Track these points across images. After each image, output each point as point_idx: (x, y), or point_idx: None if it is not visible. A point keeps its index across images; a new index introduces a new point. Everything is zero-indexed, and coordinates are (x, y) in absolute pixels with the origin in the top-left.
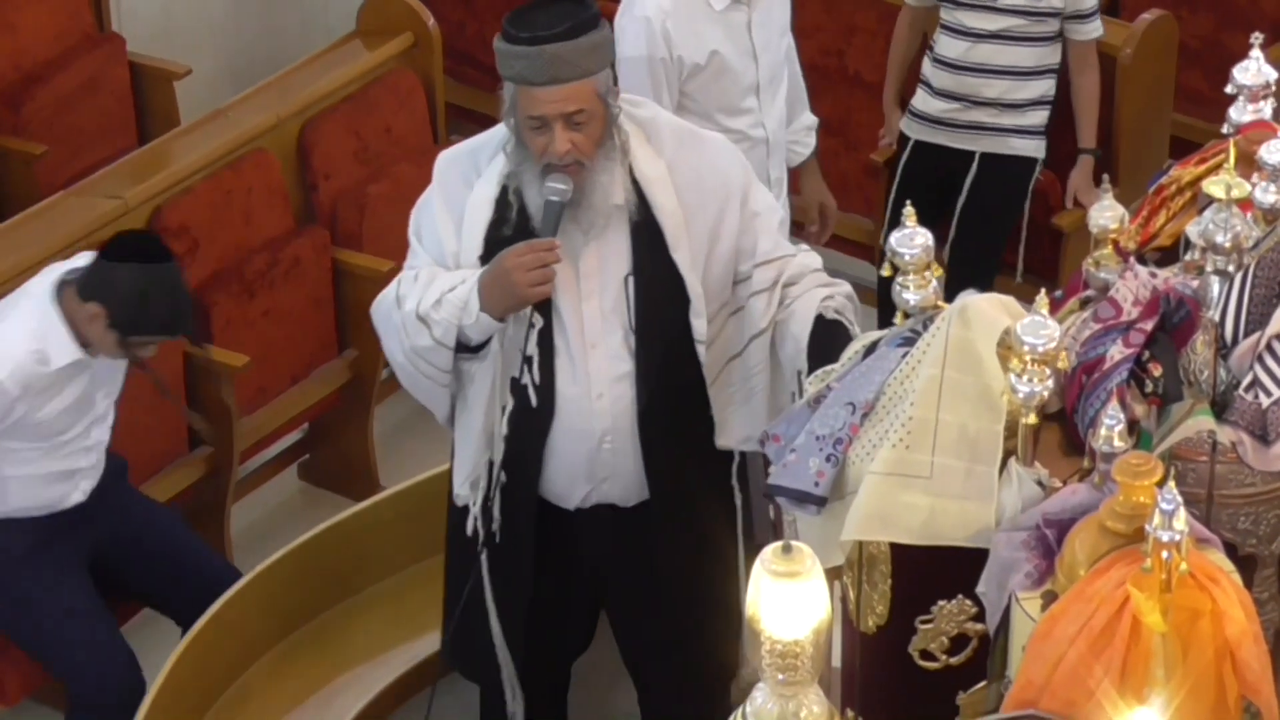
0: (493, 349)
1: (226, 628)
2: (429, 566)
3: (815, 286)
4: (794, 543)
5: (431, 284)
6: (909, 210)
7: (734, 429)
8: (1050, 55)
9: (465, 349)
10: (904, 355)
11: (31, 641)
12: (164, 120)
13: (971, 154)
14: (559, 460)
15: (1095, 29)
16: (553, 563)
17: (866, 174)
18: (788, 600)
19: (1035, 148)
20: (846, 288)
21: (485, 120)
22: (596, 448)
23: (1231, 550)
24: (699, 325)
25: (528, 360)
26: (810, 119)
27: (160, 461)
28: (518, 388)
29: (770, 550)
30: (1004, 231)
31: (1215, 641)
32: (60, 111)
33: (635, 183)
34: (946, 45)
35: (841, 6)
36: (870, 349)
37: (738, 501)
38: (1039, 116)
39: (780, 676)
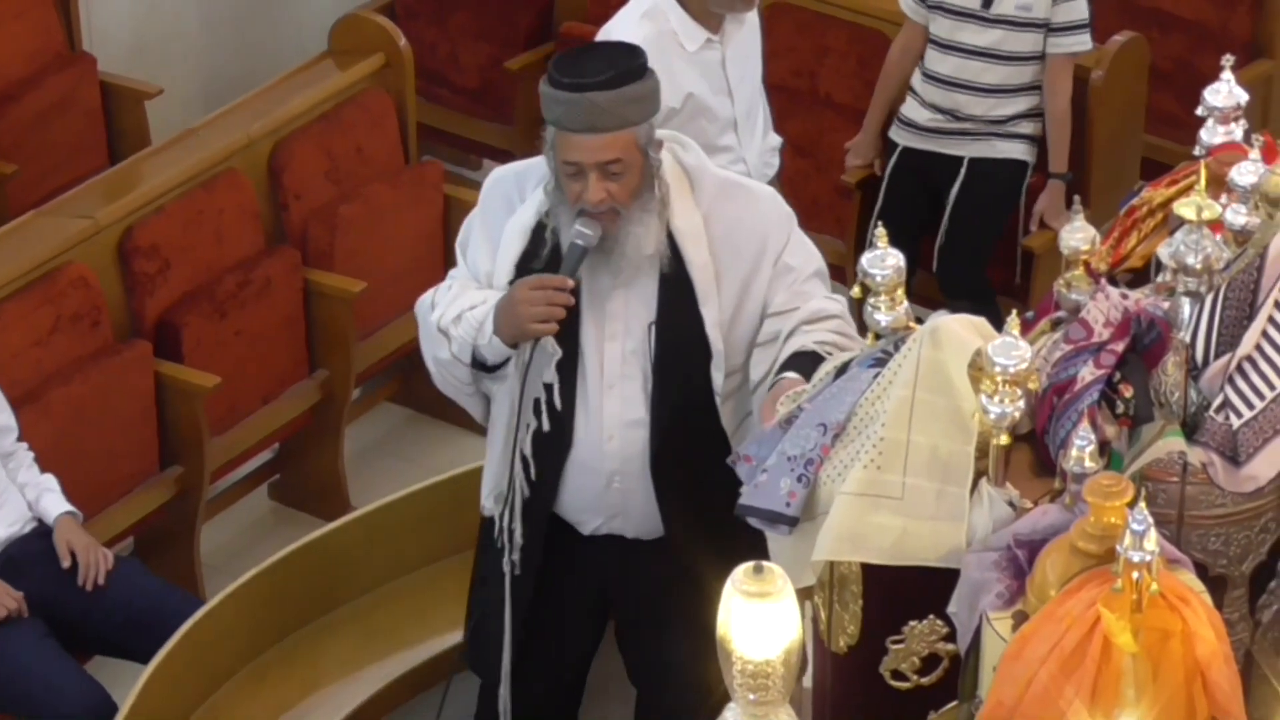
0: (509, 371)
1: (197, 648)
2: (400, 586)
3: (823, 331)
4: (765, 563)
5: (458, 299)
6: (880, 232)
7: None
8: (1039, 72)
9: (483, 367)
10: (875, 376)
11: None
12: (135, 140)
13: (960, 159)
14: (572, 490)
15: (1079, 43)
16: (562, 579)
17: (838, 195)
18: (759, 620)
19: (1024, 151)
20: (857, 347)
21: (457, 140)
22: (605, 487)
23: (1202, 571)
24: (718, 379)
25: (548, 387)
26: (775, 140)
27: (130, 482)
28: (538, 410)
29: (741, 570)
30: (993, 232)
31: (1186, 662)
32: (31, 131)
33: (670, 234)
34: (935, 60)
35: (813, 28)
36: (842, 370)
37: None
38: (1029, 126)
39: (751, 696)
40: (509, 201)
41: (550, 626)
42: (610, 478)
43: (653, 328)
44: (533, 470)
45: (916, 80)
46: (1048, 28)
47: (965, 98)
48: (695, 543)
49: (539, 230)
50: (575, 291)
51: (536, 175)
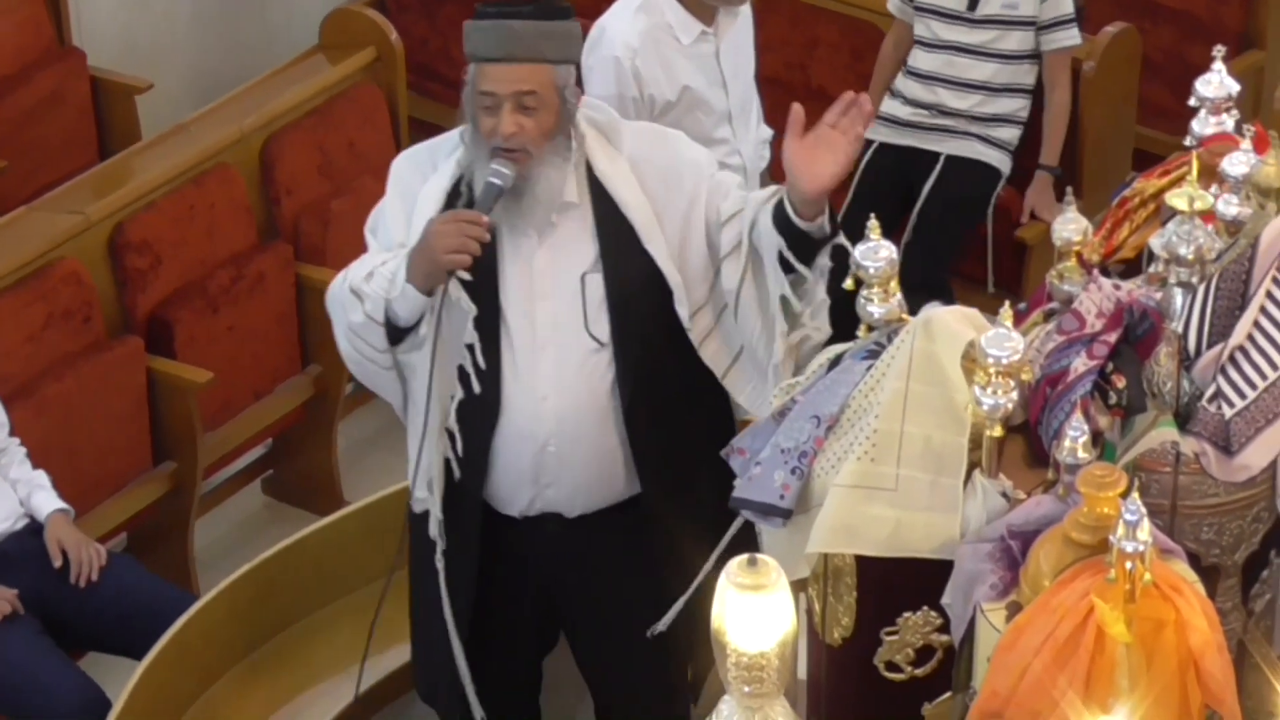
0: (424, 333)
1: (190, 644)
2: (394, 581)
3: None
4: (759, 555)
5: (369, 261)
6: (873, 224)
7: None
8: (1024, 75)
9: (399, 332)
10: (868, 368)
11: None
12: (126, 135)
13: (936, 156)
14: (503, 461)
15: (1069, 37)
16: (499, 572)
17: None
18: (753, 613)
19: (1000, 159)
20: None
21: None
22: (540, 451)
23: (1195, 561)
24: (684, 313)
25: (469, 348)
26: (766, 132)
27: (124, 478)
28: (463, 376)
29: (736, 563)
30: (959, 236)
31: (1179, 652)
32: (21, 126)
33: (596, 182)
34: (921, 59)
35: (804, 20)
36: (835, 362)
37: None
38: (1008, 132)
39: (746, 689)
40: (422, 173)
41: (497, 627)
42: (545, 441)
43: (586, 279)
44: (460, 445)
45: (898, 79)
46: (1037, 26)
47: (949, 92)
48: (670, 496)
49: (454, 193)
50: (494, 247)
51: (448, 146)
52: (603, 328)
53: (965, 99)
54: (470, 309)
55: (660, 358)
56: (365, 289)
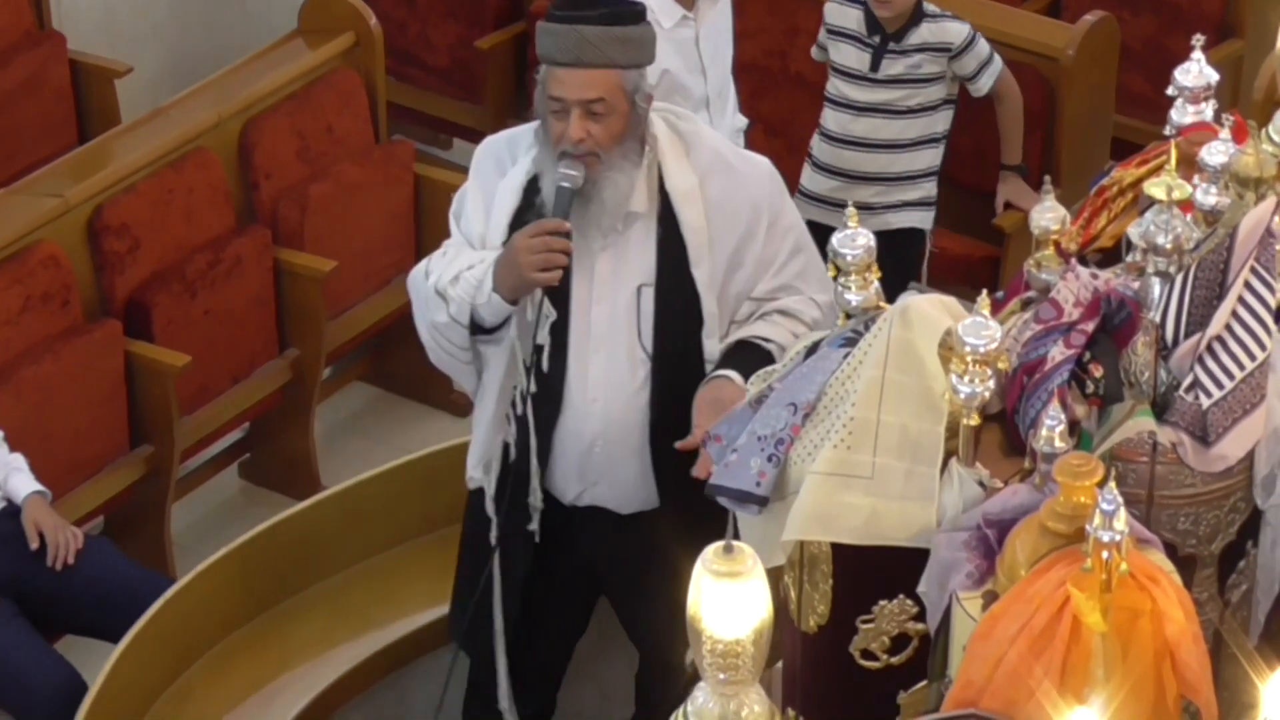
0: (509, 334)
1: (167, 628)
2: (370, 566)
3: (779, 329)
4: (735, 543)
5: (454, 261)
6: (851, 211)
7: None
8: (935, 124)
9: (482, 330)
10: (845, 356)
11: None
12: (105, 119)
13: None
14: (558, 454)
15: (995, 71)
16: (549, 553)
17: None
18: (729, 600)
19: (920, 217)
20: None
21: (428, 119)
22: (588, 450)
23: (1171, 551)
24: (710, 346)
25: (539, 349)
26: (741, 121)
27: (100, 461)
28: (529, 373)
29: (711, 550)
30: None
31: (1155, 641)
32: None
33: (665, 194)
34: (829, 117)
35: (784, 7)
36: (812, 349)
37: None
38: (924, 189)
39: (721, 676)
40: (500, 164)
41: (541, 604)
42: (593, 441)
43: (642, 290)
44: (517, 432)
45: (815, 143)
46: (964, 78)
47: (856, 154)
48: (686, 515)
49: (531, 188)
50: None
51: (527, 139)
52: (649, 341)
53: (874, 160)
54: (550, 314)
55: (690, 381)
56: (451, 293)
